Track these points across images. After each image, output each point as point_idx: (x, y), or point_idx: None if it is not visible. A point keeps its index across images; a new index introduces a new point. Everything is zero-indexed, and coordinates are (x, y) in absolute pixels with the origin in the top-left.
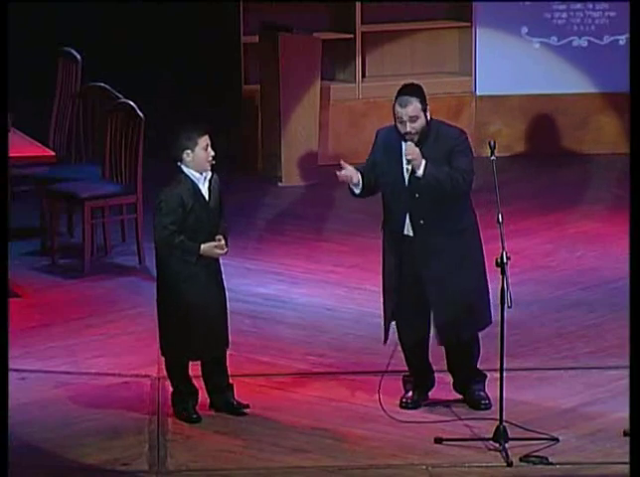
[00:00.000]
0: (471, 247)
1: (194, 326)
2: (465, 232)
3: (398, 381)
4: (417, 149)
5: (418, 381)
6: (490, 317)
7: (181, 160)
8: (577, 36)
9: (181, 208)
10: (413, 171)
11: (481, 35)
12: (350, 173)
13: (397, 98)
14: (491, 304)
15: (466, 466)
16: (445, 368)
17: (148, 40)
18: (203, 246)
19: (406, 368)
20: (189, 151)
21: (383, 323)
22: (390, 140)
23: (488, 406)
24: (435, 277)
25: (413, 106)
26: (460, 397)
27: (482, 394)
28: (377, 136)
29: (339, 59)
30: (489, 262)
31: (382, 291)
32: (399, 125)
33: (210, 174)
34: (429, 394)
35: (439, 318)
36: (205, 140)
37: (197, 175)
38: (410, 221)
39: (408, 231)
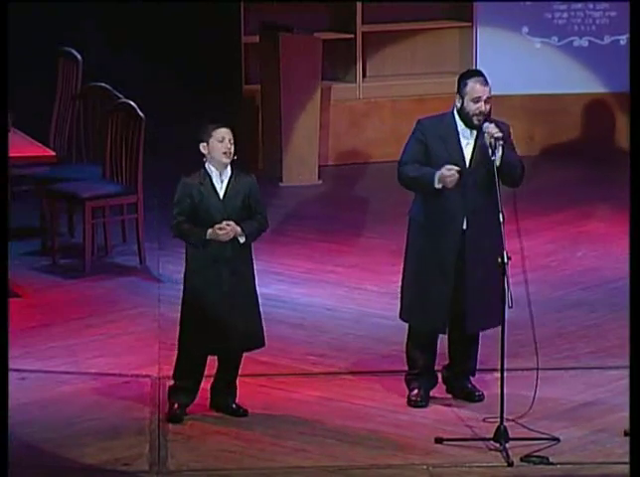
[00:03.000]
0: (501, 243)
1: (197, 321)
2: (500, 225)
3: (397, 380)
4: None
5: (425, 378)
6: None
7: (204, 155)
8: (578, 36)
9: (189, 198)
10: (476, 156)
11: (482, 35)
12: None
13: (472, 78)
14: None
15: (467, 466)
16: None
17: (148, 40)
18: (209, 231)
19: (412, 366)
20: (205, 144)
21: (421, 325)
22: (443, 129)
23: (482, 398)
24: (477, 266)
25: (489, 88)
26: (446, 391)
27: (471, 386)
28: (421, 125)
29: (339, 59)
30: None
31: (416, 286)
32: (472, 104)
33: (229, 173)
34: (430, 392)
35: (474, 306)
36: (220, 133)
37: (214, 171)
38: (467, 210)
39: (464, 222)
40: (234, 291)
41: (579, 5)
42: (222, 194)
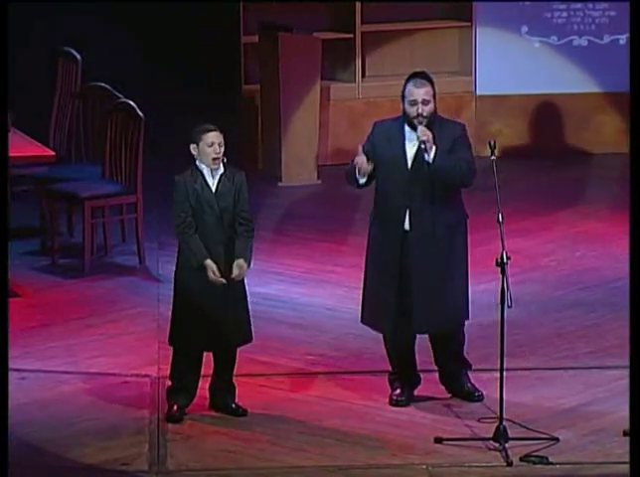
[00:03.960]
0: (459, 244)
1: (190, 317)
2: (458, 227)
3: None
4: (430, 132)
5: (405, 378)
6: (468, 314)
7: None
8: (578, 35)
9: (187, 194)
10: (419, 157)
11: (481, 34)
12: (364, 159)
13: (410, 81)
14: (469, 302)
15: (466, 466)
16: (435, 367)
17: (148, 40)
18: (207, 261)
19: (391, 367)
20: (194, 145)
21: (372, 323)
22: (391, 130)
23: (481, 398)
24: (423, 266)
25: (427, 89)
26: (446, 391)
27: (471, 385)
28: (374, 127)
29: (339, 59)
30: (489, 262)
31: (368, 288)
32: (409, 108)
33: (221, 170)
34: (415, 391)
35: (420, 307)
36: (210, 137)
37: (206, 168)
38: (408, 210)
39: (406, 222)
40: (228, 289)
41: (579, 4)
42: (214, 189)
